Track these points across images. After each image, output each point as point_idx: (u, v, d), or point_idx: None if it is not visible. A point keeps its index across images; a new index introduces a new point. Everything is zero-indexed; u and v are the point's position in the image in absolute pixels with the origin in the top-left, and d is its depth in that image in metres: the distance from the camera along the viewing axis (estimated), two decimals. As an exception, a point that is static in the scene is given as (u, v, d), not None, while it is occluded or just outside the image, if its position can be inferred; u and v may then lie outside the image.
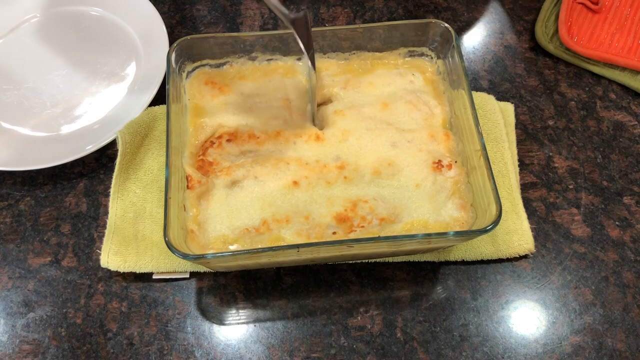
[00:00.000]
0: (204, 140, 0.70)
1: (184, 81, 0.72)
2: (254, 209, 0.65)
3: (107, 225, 0.71)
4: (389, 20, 0.91)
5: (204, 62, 0.73)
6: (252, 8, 0.92)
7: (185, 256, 0.56)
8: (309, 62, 0.64)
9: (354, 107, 0.72)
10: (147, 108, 0.78)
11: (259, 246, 0.63)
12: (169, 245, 0.56)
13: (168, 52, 0.68)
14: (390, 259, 0.71)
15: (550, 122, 0.82)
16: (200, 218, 0.64)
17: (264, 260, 0.63)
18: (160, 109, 0.79)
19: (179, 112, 0.68)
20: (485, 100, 0.80)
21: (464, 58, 0.86)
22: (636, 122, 0.82)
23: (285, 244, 0.63)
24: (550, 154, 0.79)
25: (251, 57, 0.74)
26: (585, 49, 0.85)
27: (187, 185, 0.65)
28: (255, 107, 0.72)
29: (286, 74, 0.75)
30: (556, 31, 0.87)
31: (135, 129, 0.75)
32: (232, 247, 0.63)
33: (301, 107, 0.73)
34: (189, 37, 0.70)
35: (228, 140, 0.69)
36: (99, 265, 0.69)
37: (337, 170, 0.67)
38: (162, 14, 0.87)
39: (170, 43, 0.83)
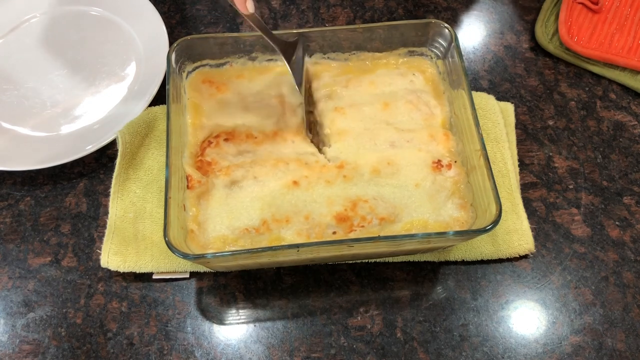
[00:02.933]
0: (202, 140, 0.70)
1: (184, 81, 0.72)
2: (253, 209, 0.65)
3: (107, 225, 0.71)
4: (389, 20, 0.91)
5: (204, 62, 0.73)
6: (252, 8, 0.91)
7: (185, 256, 0.56)
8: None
9: (355, 106, 0.72)
10: (147, 108, 0.78)
11: (259, 246, 0.63)
12: (169, 245, 0.56)
13: (168, 52, 0.68)
14: (390, 259, 0.71)
15: (550, 122, 0.82)
16: (200, 218, 0.64)
17: (264, 260, 0.63)
18: (161, 109, 0.79)
19: (179, 112, 0.68)
20: (485, 100, 0.80)
21: (464, 58, 0.85)
22: (636, 122, 0.82)
23: (285, 244, 0.63)
24: (550, 154, 0.79)
25: (251, 57, 0.74)
26: (585, 49, 0.85)
27: (187, 185, 0.65)
28: (251, 106, 0.73)
29: (285, 74, 0.75)
30: (556, 31, 0.87)
31: (135, 129, 0.75)
32: (232, 247, 0.63)
33: (293, 104, 0.73)
34: (189, 37, 0.70)
35: (225, 140, 0.69)
36: (99, 265, 0.69)
37: (336, 170, 0.67)
38: (162, 14, 0.87)
39: (170, 43, 0.83)
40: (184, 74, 0.72)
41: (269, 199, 0.65)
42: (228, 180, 0.66)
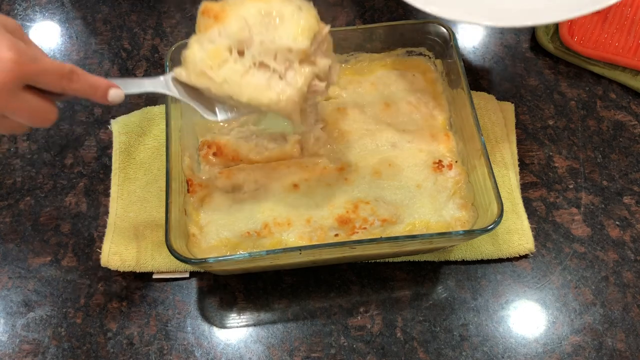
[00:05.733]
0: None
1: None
2: (254, 212, 0.64)
3: (107, 225, 0.71)
4: (389, 20, 0.91)
5: None
6: (252, 8, 0.91)
7: (187, 261, 0.56)
8: None
9: (357, 107, 0.72)
10: (145, 108, 0.78)
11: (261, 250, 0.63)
12: (171, 250, 0.56)
13: (166, 56, 0.68)
14: (391, 259, 0.71)
15: (550, 122, 0.82)
16: (202, 222, 0.64)
17: (266, 263, 0.63)
18: (159, 108, 0.79)
19: (178, 117, 0.68)
20: (485, 100, 0.80)
21: (464, 58, 0.86)
22: (636, 122, 0.82)
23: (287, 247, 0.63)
24: (550, 153, 0.79)
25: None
26: (586, 48, 0.85)
27: (188, 190, 0.65)
28: None
29: None
30: (556, 31, 0.87)
31: (131, 129, 0.76)
32: (234, 251, 0.63)
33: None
34: (186, 40, 0.69)
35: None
36: (99, 265, 0.69)
37: (337, 173, 0.67)
38: (162, 13, 0.87)
39: (170, 44, 0.83)
40: None
41: (270, 202, 0.65)
42: (229, 184, 0.66)
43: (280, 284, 0.70)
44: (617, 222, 0.74)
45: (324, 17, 0.92)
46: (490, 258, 0.71)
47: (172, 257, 0.69)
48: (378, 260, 0.71)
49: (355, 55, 0.75)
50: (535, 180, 0.77)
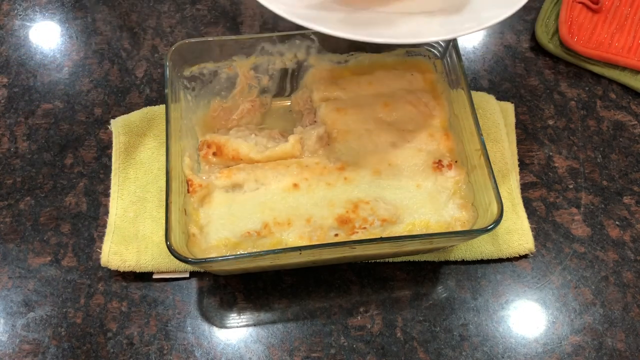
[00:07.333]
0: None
1: (183, 84, 0.72)
2: (255, 212, 0.64)
3: (107, 225, 0.71)
4: (389, 19, 0.91)
5: (202, 65, 0.72)
6: (253, 7, 0.91)
7: (187, 261, 0.56)
8: None
9: (356, 107, 0.72)
10: (145, 107, 0.78)
11: (261, 250, 0.63)
12: (171, 250, 0.56)
13: (165, 56, 0.68)
14: (391, 259, 0.71)
15: (550, 122, 0.82)
16: (202, 222, 0.64)
17: (266, 263, 0.63)
18: (159, 108, 0.79)
19: (178, 117, 0.68)
20: (485, 100, 0.80)
21: (464, 58, 0.86)
22: (636, 122, 0.82)
23: (287, 247, 0.63)
24: (550, 153, 0.79)
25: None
26: (585, 48, 0.85)
27: (188, 190, 0.65)
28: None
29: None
30: (556, 31, 0.87)
31: (131, 129, 0.76)
32: (234, 251, 0.63)
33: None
34: (186, 40, 0.69)
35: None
36: (99, 265, 0.69)
37: (337, 172, 0.67)
38: (162, 13, 0.87)
39: (170, 44, 0.83)
40: (183, 79, 0.72)
41: (270, 202, 0.65)
42: (229, 184, 0.66)
43: (280, 284, 0.70)
44: (617, 222, 0.74)
45: (324, 17, 0.92)
46: (490, 258, 0.71)
47: (172, 257, 0.69)
48: (378, 260, 0.71)
49: (355, 55, 0.75)
50: (535, 180, 0.77)
